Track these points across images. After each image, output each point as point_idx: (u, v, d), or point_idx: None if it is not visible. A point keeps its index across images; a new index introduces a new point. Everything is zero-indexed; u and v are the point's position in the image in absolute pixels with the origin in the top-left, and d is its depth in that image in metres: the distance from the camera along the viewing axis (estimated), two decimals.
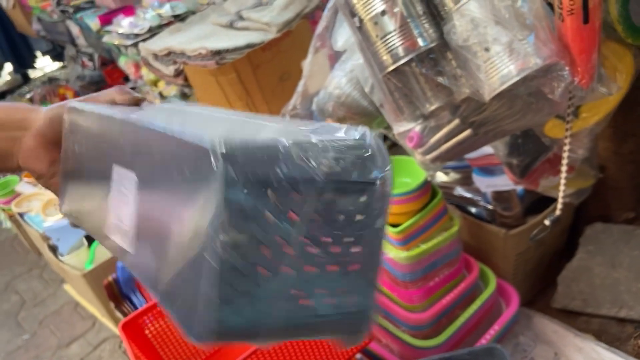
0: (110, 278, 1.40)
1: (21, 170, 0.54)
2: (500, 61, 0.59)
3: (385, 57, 0.65)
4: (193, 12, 1.82)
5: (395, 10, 0.62)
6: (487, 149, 1.13)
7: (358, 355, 1.19)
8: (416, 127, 0.84)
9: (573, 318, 1.35)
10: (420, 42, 0.64)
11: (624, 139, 1.28)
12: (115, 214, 0.42)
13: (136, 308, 1.38)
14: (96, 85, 2.90)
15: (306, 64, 1.05)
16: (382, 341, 1.18)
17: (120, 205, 0.41)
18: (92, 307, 1.92)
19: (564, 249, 1.46)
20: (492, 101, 0.70)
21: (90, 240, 1.71)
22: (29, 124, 0.51)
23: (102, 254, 1.64)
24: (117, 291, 1.42)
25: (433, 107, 0.71)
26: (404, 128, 0.77)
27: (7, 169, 0.54)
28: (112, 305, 1.44)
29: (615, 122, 1.27)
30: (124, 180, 0.41)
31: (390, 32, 0.63)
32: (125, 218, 0.40)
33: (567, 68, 0.59)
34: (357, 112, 0.94)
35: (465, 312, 1.17)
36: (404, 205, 1.06)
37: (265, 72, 1.50)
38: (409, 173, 1.11)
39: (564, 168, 0.78)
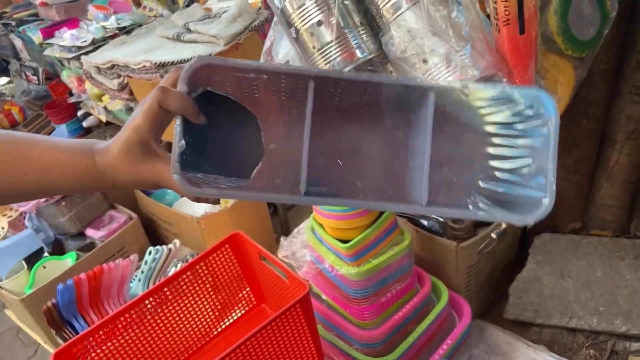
0: (49, 303, 1.32)
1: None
2: (439, 73, 0.58)
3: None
4: (140, 25, 1.77)
5: (332, 20, 0.60)
6: None
7: None
8: None
9: (525, 329, 1.36)
10: (359, 53, 0.62)
11: (569, 150, 1.31)
12: None
13: (78, 334, 1.31)
14: (42, 100, 2.79)
15: None
16: None
17: None
18: (34, 333, 1.81)
19: (515, 260, 1.47)
20: None
21: (30, 263, 1.62)
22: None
23: (42, 277, 1.55)
24: (57, 317, 1.34)
25: None
26: None
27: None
28: (52, 331, 1.36)
29: (560, 134, 1.29)
30: None
31: (327, 43, 0.61)
32: None
33: (504, 79, 0.58)
34: None
35: (418, 327, 1.16)
36: (353, 220, 1.03)
37: None
38: None
39: None
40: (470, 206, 0.53)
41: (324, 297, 1.20)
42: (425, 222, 1.34)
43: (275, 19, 0.82)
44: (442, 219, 1.31)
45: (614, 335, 1.29)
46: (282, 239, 1.16)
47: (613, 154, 1.30)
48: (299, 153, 0.53)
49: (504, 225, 0.85)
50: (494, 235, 0.91)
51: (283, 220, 1.83)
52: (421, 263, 1.28)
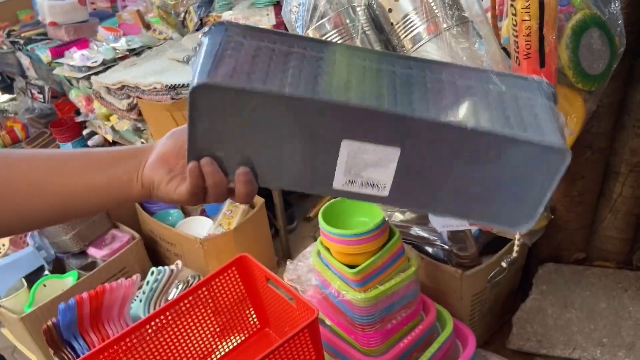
0: (49, 322, 1.30)
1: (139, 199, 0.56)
2: None
3: None
4: (149, 47, 1.79)
5: None
6: None
7: None
8: None
9: (528, 359, 1.35)
10: None
11: (573, 181, 1.32)
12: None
13: (77, 355, 1.29)
14: (46, 118, 2.80)
15: None
16: None
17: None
18: (31, 353, 1.79)
19: (518, 289, 1.47)
20: None
21: (30, 281, 1.61)
22: (146, 153, 0.55)
23: (42, 296, 1.54)
24: (57, 336, 1.32)
25: None
26: None
27: (127, 200, 0.56)
28: (51, 351, 1.34)
29: None
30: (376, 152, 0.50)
31: None
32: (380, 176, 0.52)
33: None
34: None
35: (423, 355, 1.15)
36: (361, 245, 1.04)
37: None
38: (367, 212, 1.09)
39: None
40: None
41: (328, 322, 1.19)
42: (430, 250, 1.34)
43: None
44: (446, 247, 1.31)
45: None
46: (288, 262, 1.16)
47: (616, 186, 1.31)
48: None
49: (514, 254, 0.86)
50: (504, 264, 0.92)
51: (284, 243, 1.83)
52: (426, 290, 1.28)
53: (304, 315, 0.99)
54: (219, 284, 1.18)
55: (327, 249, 1.11)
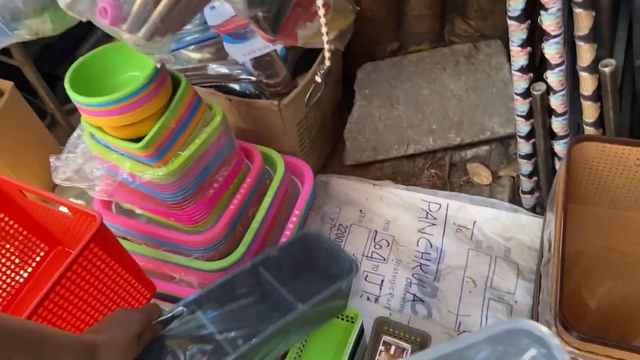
0: None
1: None
2: None
3: None
4: None
5: None
6: (231, 10, 0.87)
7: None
8: None
9: (368, 169, 1.29)
10: None
11: None
12: None
13: None
14: None
15: None
16: (176, 278, 0.95)
17: None
18: None
19: (343, 101, 1.35)
20: None
21: None
22: None
23: None
24: None
25: None
26: None
27: None
28: None
29: None
30: None
31: None
32: None
33: None
34: None
35: (260, 208, 1.00)
36: (140, 108, 0.77)
37: None
38: (135, 63, 0.81)
39: (321, 12, 0.57)
40: None
41: (138, 211, 0.96)
42: (237, 87, 1.11)
43: None
44: (254, 78, 1.09)
45: (449, 149, 1.28)
46: (51, 159, 0.87)
47: None
48: None
49: (327, 63, 0.67)
50: (318, 78, 0.73)
51: (69, 130, 1.46)
52: (244, 135, 1.08)
53: (88, 223, 0.74)
54: None
55: (99, 128, 0.83)
